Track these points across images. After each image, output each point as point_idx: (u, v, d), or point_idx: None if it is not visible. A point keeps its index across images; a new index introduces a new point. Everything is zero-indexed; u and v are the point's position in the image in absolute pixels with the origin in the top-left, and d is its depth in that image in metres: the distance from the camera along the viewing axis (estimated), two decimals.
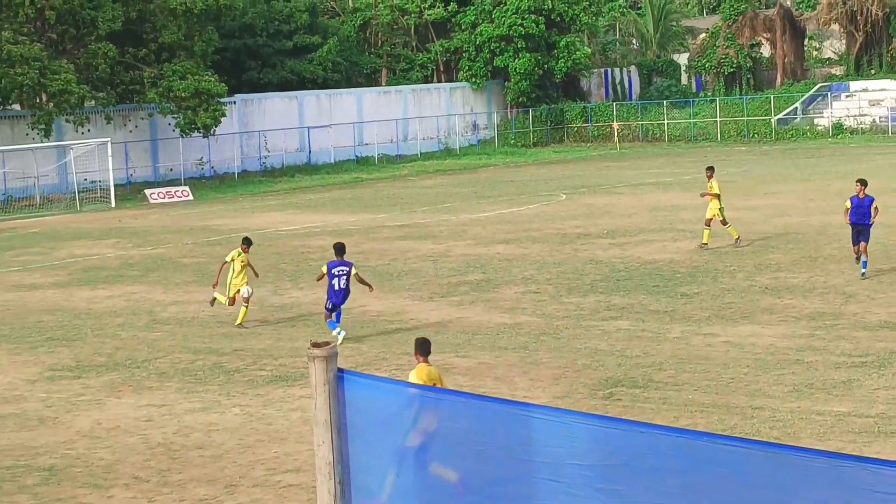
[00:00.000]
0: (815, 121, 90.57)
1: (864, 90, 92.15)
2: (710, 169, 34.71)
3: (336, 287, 23.46)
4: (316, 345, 7.03)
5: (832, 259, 30.13)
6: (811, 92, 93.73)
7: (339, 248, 24.05)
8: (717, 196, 33.50)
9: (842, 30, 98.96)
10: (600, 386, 18.71)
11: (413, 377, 14.06)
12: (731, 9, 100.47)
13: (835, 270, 28.51)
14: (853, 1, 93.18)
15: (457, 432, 6.98)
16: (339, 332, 23.26)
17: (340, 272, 23.55)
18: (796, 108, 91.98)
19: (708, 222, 33.55)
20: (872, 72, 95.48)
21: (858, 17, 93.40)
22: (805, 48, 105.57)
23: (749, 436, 15.62)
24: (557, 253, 34.32)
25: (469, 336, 23.25)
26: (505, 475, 6.80)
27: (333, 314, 23.70)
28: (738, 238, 33.48)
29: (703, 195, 34.79)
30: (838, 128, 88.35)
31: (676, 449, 6.09)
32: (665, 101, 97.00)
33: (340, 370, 7.04)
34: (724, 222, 33.54)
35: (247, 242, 26.36)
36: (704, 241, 33.42)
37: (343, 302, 23.76)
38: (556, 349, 21.55)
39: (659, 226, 39.27)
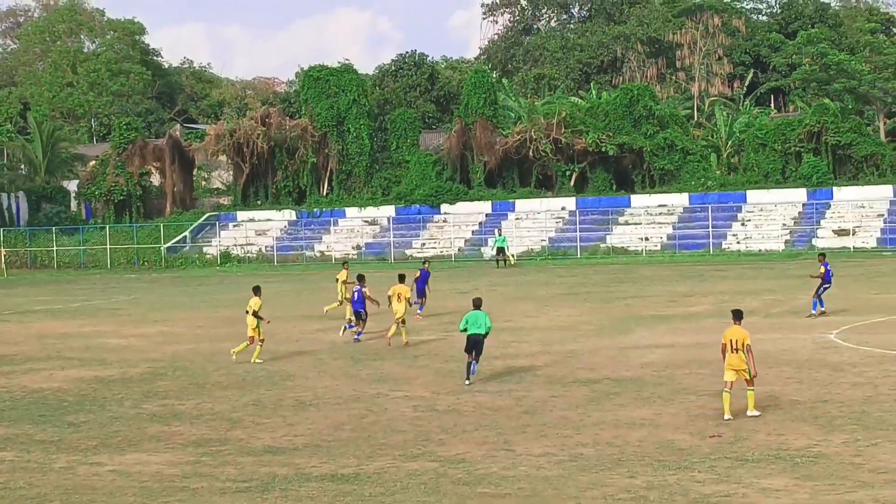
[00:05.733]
0: (205, 249, 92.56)
1: (252, 220, 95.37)
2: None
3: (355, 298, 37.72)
4: None
5: (219, 385, 30.71)
6: (200, 221, 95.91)
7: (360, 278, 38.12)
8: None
9: (229, 161, 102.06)
10: None
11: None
12: (121, 137, 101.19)
13: (222, 397, 29.07)
14: (240, 134, 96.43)
15: None
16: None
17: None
18: (185, 236, 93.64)
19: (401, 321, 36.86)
20: (259, 202, 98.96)
21: (245, 150, 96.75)
22: (194, 178, 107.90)
23: None
24: None
25: None
26: None
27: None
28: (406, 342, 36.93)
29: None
30: (226, 256, 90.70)
31: None
32: (54, 228, 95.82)
33: None
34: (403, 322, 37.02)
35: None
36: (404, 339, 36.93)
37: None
38: None
39: (47, 354, 38.51)
